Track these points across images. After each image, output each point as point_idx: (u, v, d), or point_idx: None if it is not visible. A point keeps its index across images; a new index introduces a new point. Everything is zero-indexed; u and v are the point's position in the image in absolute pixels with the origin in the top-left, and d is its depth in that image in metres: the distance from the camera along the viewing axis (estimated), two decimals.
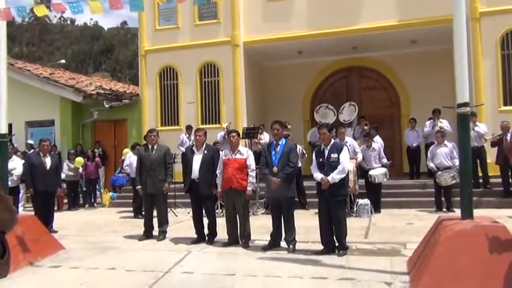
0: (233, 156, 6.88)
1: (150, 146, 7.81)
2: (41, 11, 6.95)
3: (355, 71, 15.01)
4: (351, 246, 6.28)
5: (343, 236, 6.08)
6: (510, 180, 9.88)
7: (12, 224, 2.41)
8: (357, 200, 9.48)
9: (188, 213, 9.05)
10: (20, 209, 11.07)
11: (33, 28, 45.09)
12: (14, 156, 10.64)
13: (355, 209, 9.39)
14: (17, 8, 6.78)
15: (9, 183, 8.39)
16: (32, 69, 16.27)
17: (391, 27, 12.18)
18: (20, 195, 11.18)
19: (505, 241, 4.34)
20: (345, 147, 6.33)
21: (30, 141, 13.87)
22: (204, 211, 7.34)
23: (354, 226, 7.68)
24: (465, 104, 4.84)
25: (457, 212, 5.18)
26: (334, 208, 6.07)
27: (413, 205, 10.09)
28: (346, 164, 6.15)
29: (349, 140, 10.01)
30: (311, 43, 13.13)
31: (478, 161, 10.21)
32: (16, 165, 10.17)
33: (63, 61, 34.96)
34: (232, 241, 6.89)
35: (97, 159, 13.57)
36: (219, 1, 11.65)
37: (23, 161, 9.79)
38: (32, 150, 12.03)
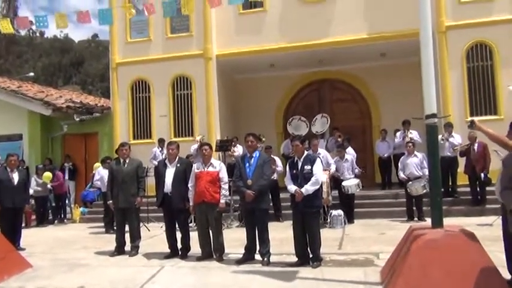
0: (205, 169, 6.83)
1: (122, 160, 7.69)
2: (5, 27, 6.79)
3: (326, 84, 15.17)
4: (325, 258, 6.29)
5: (317, 247, 6.09)
6: (478, 189, 10.11)
7: None
8: (331, 211, 9.51)
9: (161, 227, 8.90)
10: None
11: (0, 40, 44.09)
12: None
13: (328, 220, 9.42)
14: None
15: None
16: None
17: (360, 40, 12.41)
18: None
19: (474, 249, 4.42)
20: (318, 159, 6.37)
21: None
22: (177, 225, 7.24)
23: (328, 237, 7.71)
24: (433, 115, 4.95)
25: (429, 221, 5.25)
26: (308, 220, 6.07)
27: (386, 215, 10.20)
28: (320, 175, 6.19)
29: (322, 151, 10.08)
30: (283, 56, 13.26)
31: (450, 171, 10.42)
32: None
33: (31, 74, 34.18)
34: (206, 255, 6.82)
35: (58, 172, 13.13)
36: (190, 14, 11.59)
37: None
38: None
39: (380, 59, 13.82)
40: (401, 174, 9.88)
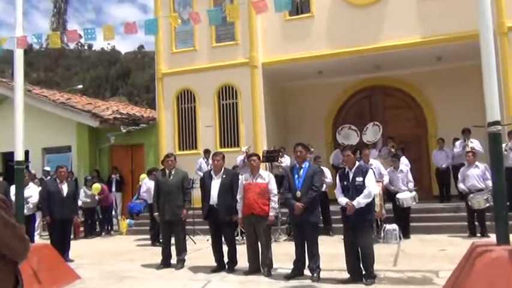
0: (254, 180, 6.84)
1: (167, 171, 7.84)
2: (54, 42, 7.13)
3: (378, 90, 14.92)
4: (379, 275, 6.14)
5: (370, 263, 5.96)
6: None
7: (25, 254, 2.40)
8: (384, 225, 9.31)
9: (207, 240, 8.98)
10: (36, 237, 11.19)
11: (51, 54, 46.44)
12: (30, 184, 10.80)
13: (382, 234, 9.21)
14: (34, 36, 6.98)
15: (25, 211, 8.51)
16: (49, 94, 16.65)
17: (415, 44, 12.10)
18: (36, 223, 11.33)
19: None
20: (370, 170, 6.26)
21: (47, 168, 14.08)
22: (223, 238, 7.28)
23: (382, 253, 7.51)
24: (496, 123, 4.75)
25: (493, 237, 5.01)
26: (361, 234, 5.96)
27: (445, 230, 9.83)
28: (372, 187, 6.07)
29: (374, 162, 9.90)
30: (332, 63, 13.14)
31: None
32: (32, 192, 10.31)
33: (80, 86, 35.73)
34: (254, 269, 6.81)
35: (103, 185, 13.54)
36: (236, 20, 11.72)
37: (39, 189, 9.93)
38: (49, 177, 12.21)
39: (436, 63, 13.43)
40: (462, 186, 9.52)
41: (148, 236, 10.92)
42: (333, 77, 14.46)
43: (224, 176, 7.26)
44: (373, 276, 5.95)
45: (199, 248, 9.40)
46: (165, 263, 7.64)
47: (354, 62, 13.07)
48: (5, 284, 2.31)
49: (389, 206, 9.89)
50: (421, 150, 14.17)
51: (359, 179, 6.04)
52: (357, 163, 6.30)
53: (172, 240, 7.77)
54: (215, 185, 7.20)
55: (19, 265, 2.41)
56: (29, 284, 5.58)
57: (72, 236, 10.05)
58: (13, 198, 7.89)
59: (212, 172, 7.41)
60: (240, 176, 7.37)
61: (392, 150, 11.52)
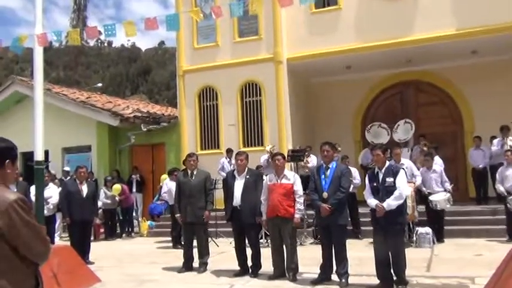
0: (279, 181, 6.84)
1: (189, 172, 7.90)
2: (74, 38, 7.26)
3: (410, 86, 14.76)
4: (411, 281, 6.07)
5: (401, 269, 5.89)
6: None
7: (46, 255, 2.45)
8: (417, 228, 9.21)
9: (230, 243, 9.03)
10: (56, 238, 11.44)
11: (70, 52, 47.35)
12: (50, 184, 11.05)
13: (414, 238, 9.11)
14: (54, 33, 7.12)
15: (45, 211, 8.70)
16: (69, 93, 16.98)
17: (449, 36, 11.88)
18: (57, 224, 11.57)
19: None
20: (401, 170, 6.19)
21: (67, 168, 14.34)
22: (247, 241, 7.30)
23: (414, 258, 7.41)
24: None
25: None
26: (391, 238, 5.90)
27: (482, 234, 9.66)
28: (404, 188, 6.00)
29: (405, 161, 9.78)
30: (360, 57, 13.02)
31: None
32: (52, 193, 10.54)
33: (100, 84, 36.36)
34: (279, 274, 6.81)
35: (124, 186, 13.72)
36: (259, 13, 11.68)
37: (60, 189, 10.13)
38: (69, 178, 12.45)
39: (471, 56, 13.18)
40: (500, 188, 9.33)
41: (169, 238, 11.04)
42: (361, 72, 14.34)
43: (248, 176, 7.27)
44: (404, 282, 5.88)
45: (222, 251, 9.45)
46: (187, 266, 7.71)
47: (384, 56, 12.92)
48: (26, 285, 2.37)
49: (422, 208, 9.76)
50: (456, 149, 13.96)
51: (389, 179, 5.98)
52: (387, 163, 6.23)
53: (194, 243, 7.83)
54: (238, 186, 7.22)
55: (39, 267, 2.47)
56: (49, 286, 5.70)
57: (92, 238, 10.23)
58: (33, 198, 8.07)
59: (235, 172, 7.44)
60: (264, 177, 7.37)
61: (425, 149, 11.37)
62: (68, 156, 15.98)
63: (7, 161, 2.50)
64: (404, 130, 12.44)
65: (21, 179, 10.98)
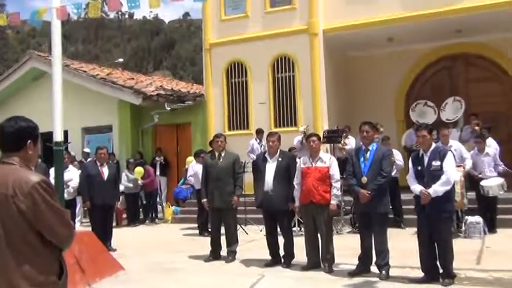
0: (313, 164, 6.84)
1: (216, 154, 7.97)
2: (94, 11, 7.33)
3: (460, 60, 14.49)
4: (459, 274, 6.04)
5: (448, 261, 5.87)
6: None
7: (70, 240, 2.54)
8: (466, 217, 9.11)
9: (261, 231, 9.11)
10: (77, 224, 11.74)
11: (90, 25, 47.97)
12: (70, 166, 11.32)
13: (463, 228, 9.03)
14: (73, 5, 7.22)
15: (66, 195, 8.94)
16: (88, 69, 17.17)
17: (504, 3, 11.56)
18: (77, 209, 11.87)
19: None
20: (449, 153, 6.11)
21: (87, 150, 14.59)
22: (279, 229, 7.36)
23: (463, 249, 7.34)
24: None
25: None
26: (437, 227, 5.87)
27: None
28: (452, 173, 5.93)
29: (454, 143, 9.64)
30: (404, 28, 12.81)
31: None
32: (72, 176, 10.80)
33: (121, 60, 36.79)
34: (313, 264, 6.85)
35: (149, 167, 13.92)
36: None
37: (80, 172, 10.36)
38: (89, 159, 12.70)
39: None
40: None
41: (195, 225, 11.19)
42: (405, 45, 14.14)
43: (280, 159, 7.29)
44: (452, 275, 5.86)
45: (252, 239, 9.54)
46: (215, 255, 7.82)
47: (431, 26, 12.66)
48: (50, 270, 2.46)
49: (472, 195, 9.62)
50: (511, 130, 13.66)
51: (436, 163, 5.91)
52: (434, 145, 6.16)
53: (222, 230, 7.93)
54: (270, 169, 7.25)
55: (63, 252, 2.55)
56: (72, 272, 5.86)
57: (114, 224, 10.46)
58: (53, 181, 8.30)
59: (266, 155, 7.46)
60: (297, 159, 7.38)
61: (477, 129, 11.16)
62: (88, 136, 16.24)
63: (29, 141, 2.56)
64: (453, 109, 12.25)
65: (40, 160, 11.29)
